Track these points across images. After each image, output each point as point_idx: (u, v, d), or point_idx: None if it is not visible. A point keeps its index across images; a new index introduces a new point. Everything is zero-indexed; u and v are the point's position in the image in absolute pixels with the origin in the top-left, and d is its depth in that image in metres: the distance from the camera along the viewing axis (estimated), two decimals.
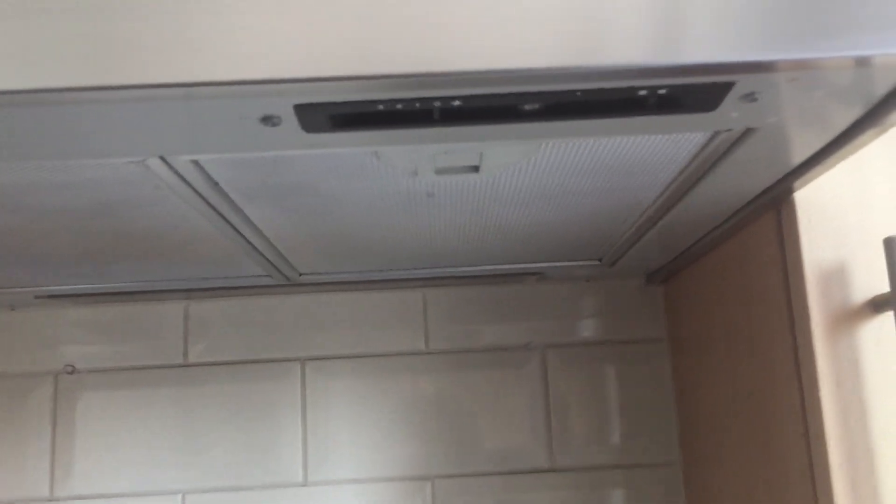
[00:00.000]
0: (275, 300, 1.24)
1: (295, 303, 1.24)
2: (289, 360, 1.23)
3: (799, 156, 0.68)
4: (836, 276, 0.77)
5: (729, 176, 0.72)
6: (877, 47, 0.48)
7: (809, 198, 0.78)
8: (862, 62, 0.49)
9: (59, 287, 1.09)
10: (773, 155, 0.67)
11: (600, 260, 1.12)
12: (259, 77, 0.48)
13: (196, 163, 0.62)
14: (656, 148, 0.65)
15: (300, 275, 1.11)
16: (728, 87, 0.52)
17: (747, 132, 0.62)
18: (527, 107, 0.54)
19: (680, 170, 0.71)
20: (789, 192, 0.77)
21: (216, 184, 0.68)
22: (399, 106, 0.52)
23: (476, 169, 0.67)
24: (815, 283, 0.77)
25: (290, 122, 0.54)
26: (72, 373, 1.23)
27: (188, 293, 1.20)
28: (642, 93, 0.53)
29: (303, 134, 0.56)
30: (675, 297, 1.23)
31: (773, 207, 0.82)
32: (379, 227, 0.85)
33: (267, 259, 0.97)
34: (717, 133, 0.62)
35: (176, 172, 0.63)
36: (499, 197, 0.76)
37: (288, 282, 1.12)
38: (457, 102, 0.52)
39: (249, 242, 0.86)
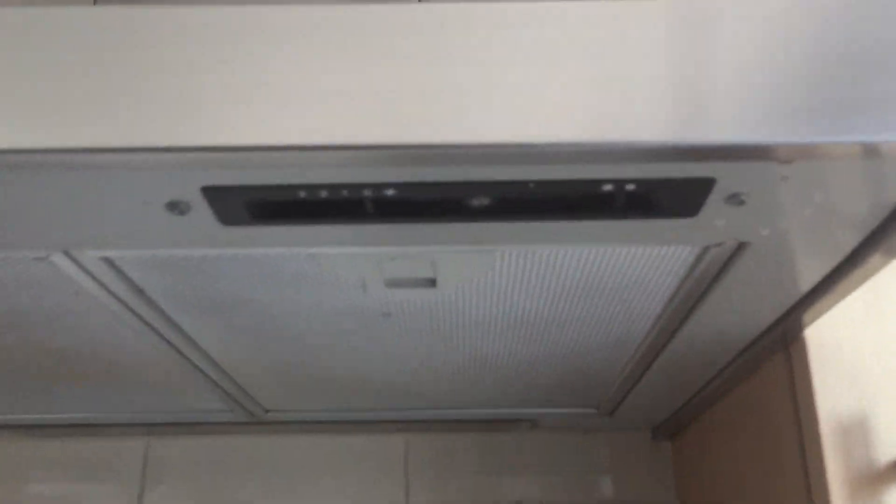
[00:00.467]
0: (240, 440, 1.14)
1: (261, 444, 1.14)
2: None
3: (805, 281, 0.59)
4: (856, 431, 0.66)
5: (727, 304, 0.63)
6: (887, 132, 0.40)
7: (822, 336, 0.68)
8: (869, 151, 0.41)
9: (3, 416, 1.00)
10: (775, 279, 0.58)
11: (597, 408, 1.02)
12: (154, 144, 0.41)
13: (108, 261, 0.55)
14: (640, 267, 0.57)
15: (266, 412, 1.01)
16: (708, 184, 0.45)
17: (741, 248, 0.53)
18: (474, 202, 0.47)
19: (670, 295, 0.63)
20: (799, 327, 0.68)
21: (141, 290, 0.60)
22: (324, 194, 0.45)
23: (433, 283, 0.59)
24: (832, 438, 0.67)
25: (202, 210, 0.47)
26: None
27: (149, 428, 1.10)
28: (607, 188, 0.45)
29: (219, 226, 0.49)
30: (684, 454, 1.10)
31: (782, 347, 0.72)
32: (339, 354, 0.76)
33: (223, 390, 0.88)
34: (706, 249, 0.54)
35: (88, 273, 0.56)
36: (466, 322, 0.68)
37: (253, 419, 1.03)
38: (390, 192, 0.45)
39: (196, 366, 0.78)
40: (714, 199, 0.46)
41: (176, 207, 0.46)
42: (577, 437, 1.14)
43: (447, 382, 0.90)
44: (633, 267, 0.57)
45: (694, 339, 0.72)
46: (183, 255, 0.53)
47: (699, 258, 0.56)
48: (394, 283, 0.59)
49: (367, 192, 0.45)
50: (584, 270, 0.58)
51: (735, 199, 0.46)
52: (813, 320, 0.66)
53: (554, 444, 1.14)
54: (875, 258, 0.54)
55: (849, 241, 0.53)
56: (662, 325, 0.69)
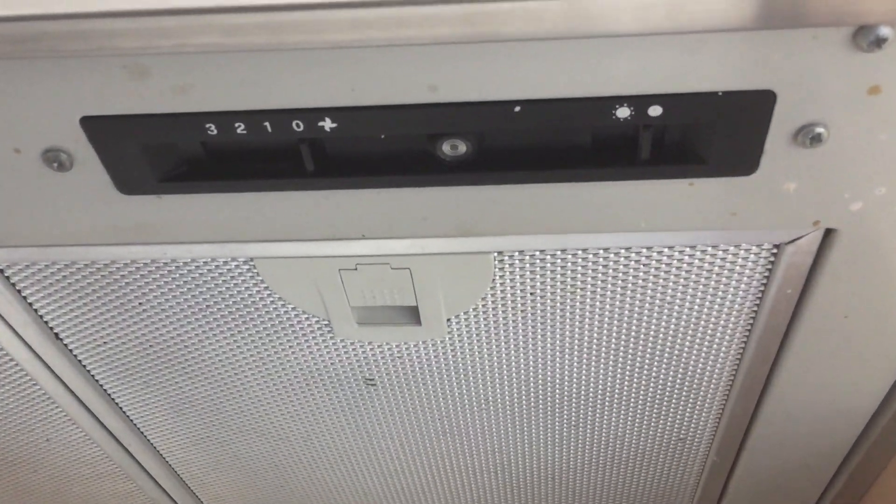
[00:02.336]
0: None
1: None
2: None
3: None
4: None
5: (813, 376, 0.47)
6: None
7: None
8: None
9: None
10: (880, 323, 0.43)
11: None
12: None
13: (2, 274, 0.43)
14: (692, 299, 0.43)
15: None
16: (767, 102, 0.32)
17: (826, 242, 0.39)
18: (445, 146, 0.35)
19: (737, 350, 0.47)
20: None
21: (55, 334, 0.48)
22: (241, 129, 0.34)
23: (417, 317, 0.45)
24: None
25: (90, 166, 0.36)
26: None
27: None
28: (622, 112, 0.32)
29: (118, 196, 0.37)
30: None
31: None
32: (320, 460, 0.61)
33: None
34: (777, 251, 0.40)
35: None
36: (477, 396, 0.53)
37: None
38: (331, 125, 0.33)
39: (144, 469, 0.63)
40: (779, 136, 0.33)
41: (56, 159, 0.35)
42: None
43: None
44: (685, 293, 0.43)
45: (768, 442, 0.54)
46: (86, 258, 0.42)
47: (771, 272, 0.41)
48: (367, 317, 0.45)
49: (297, 127, 0.33)
50: (618, 292, 0.43)
51: (809, 135, 0.33)
52: None
53: None
54: None
55: None
56: (735, 406, 0.52)
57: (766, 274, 0.42)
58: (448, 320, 0.45)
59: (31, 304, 0.45)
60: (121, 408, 0.55)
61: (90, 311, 0.46)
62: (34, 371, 0.50)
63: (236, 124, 0.33)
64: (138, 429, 0.58)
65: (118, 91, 0.33)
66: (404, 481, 0.64)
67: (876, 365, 0.46)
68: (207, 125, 0.33)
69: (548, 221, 0.38)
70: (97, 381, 0.52)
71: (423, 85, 0.32)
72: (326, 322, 0.46)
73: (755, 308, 0.44)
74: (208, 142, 0.37)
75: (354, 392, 0.52)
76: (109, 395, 0.54)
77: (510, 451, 0.59)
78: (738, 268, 0.41)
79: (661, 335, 0.46)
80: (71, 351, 0.49)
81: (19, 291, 0.44)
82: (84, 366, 0.51)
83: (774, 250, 0.40)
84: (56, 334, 0.48)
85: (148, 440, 0.59)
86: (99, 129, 0.34)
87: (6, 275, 0.43)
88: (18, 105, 0.33)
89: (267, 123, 0.33)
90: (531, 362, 0.49)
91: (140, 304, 0.45)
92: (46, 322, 0.47)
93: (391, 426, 0.56)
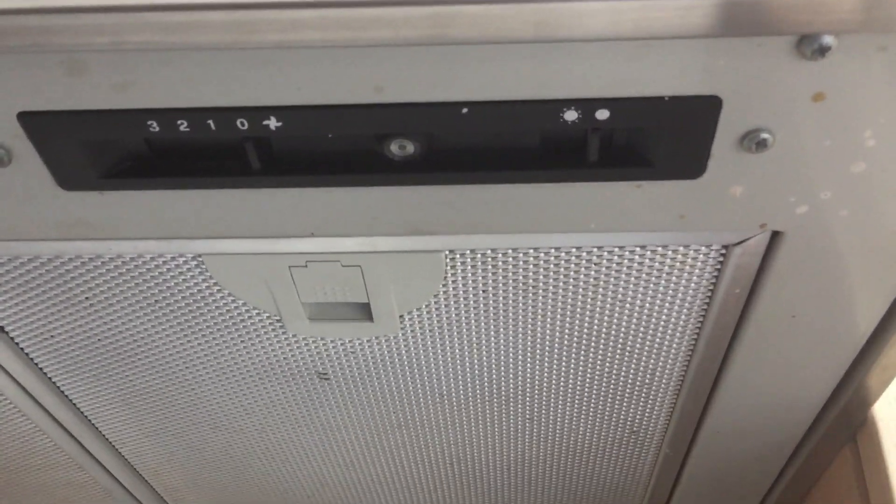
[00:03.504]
0: None
1: None
2: None
3: (865, 317, 0.44)
4: None
5: (762, 364, 0.47)
6: None
7: None
8: None
9: None
10: (826, 323, 0.43)
11: None
12: None
13: None
14: (644, 297, 0.43)
15: None
16: (713, 108, 0.32)
17: (773, 245, 0.39)
18: (394, 146, 0.34)
19: (687, 349, 0.48)
20: (864, 403, 0.51)
21: (0, 327, 0.47)
22: (182, 125, 0.33)
23: (369, 313, 0.45)
24: None
25: (29, 160, 0.35)
26: None
27: None
28: (570, 115, 0.32)
29: (58, 192, 0.37)
30: None
31: (845, 439, 0.55)
32: (275, 451, 0.61)
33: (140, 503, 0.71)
34: (726, 251, 0.40)
35: None
36: (433, 391, 0.53)
37: None
38: (276, 123, 0.33)
39: (96, 459, 0.62)
40: (725, 141, 0.33)
41: None
42: None
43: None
44: (635, 292, 0.43)
45: (719, 435, 0.55)
46: (29, 253, 0.41)
47: (720, 273, 0.41)
48: (319, 313, 0.45)
49: (242, 125, 0.33)
50: (570, 291, 0.43)
51: (754, 140, 0.33)
52: (882, 388, 0.50)
53: None
54: None
55: None
56: (686, 401, 0.53)
57: (714, 274, 0.42)
58: (401, 316, 0.45)
59: None
60: (71, 400, 0.54)
61: (36, 306, 0.45)
62: None
63: (179, 122, 0.33)
64: (89, 421, 0.57)
65: (56, 87, 0.32)
66: (360, 472, 0.64)
67: (822, 363, 0.47)
68: (149, 122, 0.33)
69: (498, 221, 0.38)
70: (46, 374, 0.51)
71: (369, 85, 0.32)
72: (278, 318, 0.45)
73: (705, 307, 0.44)
74: (152, 138, 0.36)
75: (308, 386, 0.52)
76: (59, 388, 0.53)
77: (465, 444, 0.59)
78: (687, 268, 0.42)
79: (612, 332, 0.46)
80: (17, 344, 0.48)
81: None
82: (32, 359, 0.50)
83: (723, 251, 0.40)
84: (2, 328, 0.47)
85: (100, 432, 0.59)
86: (37, 124, 0.33)
87: None
88: None
89: (211, 121, 0.33)
90: (485, 358, 0.49)
91: (87, 298, 0.44)
92: None
93: (346, 419, 0.56)
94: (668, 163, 0.34)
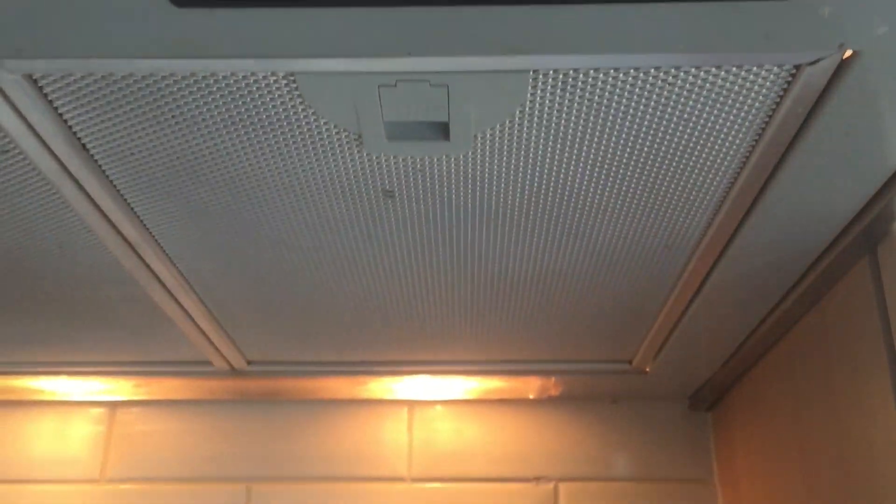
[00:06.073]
0: (218, 409, 1.01)
1: (244, 411, 1.01)
2: (232, 480, 0.98)
3: None
4: None
5: (808, 177, 0.51)
6: None
7: None
8: None
9: None
10: (874, 142, 0.46)
11: (630, 362, 0.89)
12: None
13: (32, 80, 0.43)
14: (710, 109, 0.46)
15: (248, 363, 0.88)
16: None
17: (842, 69, 0.41)
18: None
19: (740, 161, 0.51)
20: (889, 218, 0.55)
21: (82, 145, 0.48)
22: None
23: (445, 133, 0.47)
24: None
25: None
26: None
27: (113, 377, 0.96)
28: None
29: (171, 9, 0.37)
30: (726, 424, 0.97)
31: (864, 251, 0.60)
32: (326, 266, 0.64)
33: (192, 318, 0.75)
34: (796, 71, 0.42)
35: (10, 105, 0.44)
36: (482, 211, 0.56)
37: (233, 372, 0.90)
38: None
39: (154, 274, 0.65)
40: None
41: None
42: (605, 409, 1.01)
43: (458, 323, 0.77)
44: (701, 111, 0.46)
45: (754, 245, 0.59)
46: (125, 70, 0.42)
47: (785, 92, 0.44)
48: (397, 132, 0.47)
49: None
50: (639, 111, 0.46)
51: None
52: None
53: (579, 416, 1.01)
54: None
55: None
56: (725, 216, 0.56)
57: (780, 94, 0.44)
58: (475, 136, 0.47)
59: (61, 116, 0.45)
60: (139, 216, 0.57)
61: (122, 123, 0.46)
62: (57, 180, 0.51)
63: None
64: (153, 237, 0.60)
65: None
66: (404, 282, 0.68)
67: (862, 177, 0.51)
68: None
69: (586, 41, 0.40)
70: (118, 190, 0.53)
71: None
72: (356, 137, 0.47)
73: (763, 125, 0.47)
74: None
75: (373, 203, 0.54)
76: (129, 204, 0.55)
77: (507, 259, 0.63)
78: (756, 87, 0.44)
79: (671, 152, 0.49)
80: (96, 161, 0.50)
81: (51, 102, 0.44)
82: (107, 176, 0.51)
83: (794, 70, 0.42)
84: (83, 145, 0.48)
85: (161, 247, 0.61)
86: None
87: (39, 85, 0.43)
88: None
89: None
90: (545, 175, 0.51)
91: (173, 116, 0.45)
92: (75, 133, 0.47)
93: (401, 236, 0.59)
94: None
